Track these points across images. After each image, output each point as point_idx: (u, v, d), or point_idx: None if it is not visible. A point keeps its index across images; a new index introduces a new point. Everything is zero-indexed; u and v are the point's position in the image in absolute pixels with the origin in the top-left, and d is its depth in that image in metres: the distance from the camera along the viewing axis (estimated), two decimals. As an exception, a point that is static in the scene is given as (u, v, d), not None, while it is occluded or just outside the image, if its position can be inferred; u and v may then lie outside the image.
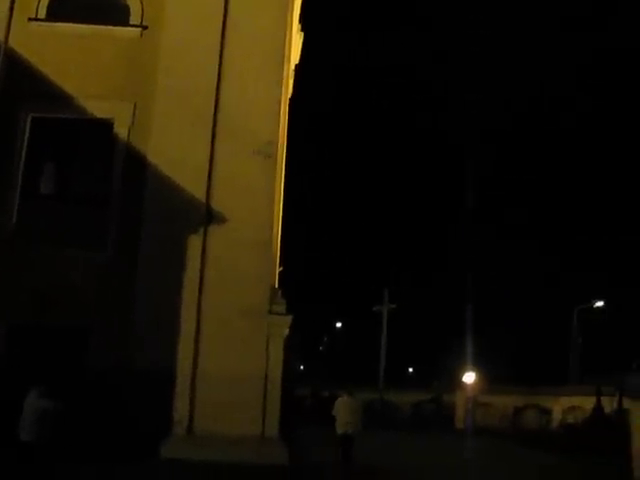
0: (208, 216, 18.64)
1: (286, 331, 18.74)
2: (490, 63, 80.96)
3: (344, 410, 18.14)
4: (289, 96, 23.80)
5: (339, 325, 70.34)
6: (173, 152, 18.71)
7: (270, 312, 18.49)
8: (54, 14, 19.46)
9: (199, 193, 18.65)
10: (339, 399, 18.80)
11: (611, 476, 19.16)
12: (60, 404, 12.89)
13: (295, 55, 24.44)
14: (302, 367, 61.22)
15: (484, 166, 70.97)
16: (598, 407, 29.29)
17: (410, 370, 76.42)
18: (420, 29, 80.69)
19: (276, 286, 20.16)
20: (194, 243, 18.50)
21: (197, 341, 18.07)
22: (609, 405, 28.50)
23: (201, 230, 18.55)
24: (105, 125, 19.14)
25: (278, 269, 22.17)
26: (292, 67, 24.22)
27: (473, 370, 41.14)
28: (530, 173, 74.39)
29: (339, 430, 17.91)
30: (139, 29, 19.53)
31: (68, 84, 18.92)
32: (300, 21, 24.00)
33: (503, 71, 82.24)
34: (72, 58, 19.17)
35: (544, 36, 77.42)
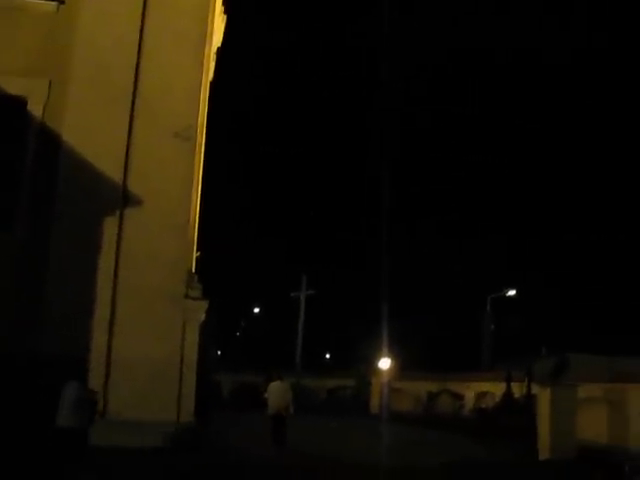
0: (124, 198, 18.34)
1: (202, 316, 18.64)
2: (414, 57, 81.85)
3: (276, 393, 19.47)
4: (210, 79, 23.54)
5: (257, 310, 70.28)
6: (89, 131, 18.31)
7: (186, 297, 18.38)
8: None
9: (115, 174, 18.32)
10: (272, 383, 19.97)
11: (518, 458, 19.78)
12: (97, 394, 13.73)
13: (217, 38, 24.15)
14: (219, 352, 61.02)
15: (403, 158, 71.86)
16: (508, 392, 30.10)
17: (327, 356, 77.06)
18: (348, 15, 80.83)
19: (193, 271, 20.00)
20: (110, 225, 18.18)
21: (112, 325, 17.81)
22: (519, 390, 29.29)
23: (117, 212, 18.25)
24: (18, 102, 18.53)
25: (195, 253, 21.97)
26: (214, 50, 23.92)
27: (388, 356, 41.73)
28: (446, 167, 75.73)
29: (271, 411, 19.24)
30: (55, 3, 18.91)
31: (-21, 59, 18.25)
32: (223, 3, 23.72)
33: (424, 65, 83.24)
34: (-17, 32, 18.49)
35: (467, 26, 78.74)
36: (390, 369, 41.52)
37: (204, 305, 18.64)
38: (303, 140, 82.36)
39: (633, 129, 63.72)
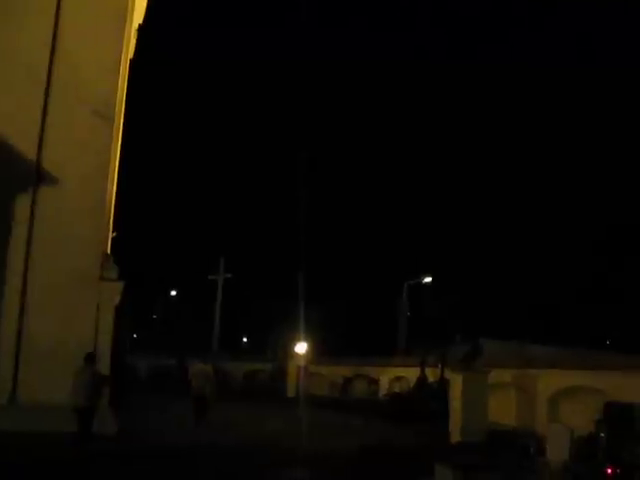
0: (38, 176, 17.87)
1: (117, 298, 18.34)
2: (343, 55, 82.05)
3: (199, 375, 20.41)
4: (131, 57, 23.04)
5: (174, 293, 69.48)
6: (2, 106, 17.72)
7: (101, 278, 18.06)
8: None
9: (29, 151, 17.82)
10: (195, 366, 21.26)
11: (430, 440, 20.15)
12: (107, 379, 14.77)
13: (139, 15, 23.63)
14: (135, 336, 60.19)
15: (322, 145, 72.01)
16: (422, 377, 30.57)
17: (244, 340, 76.88)
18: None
19: (108, 252, 19.63)
20: (22, 203, 17.71)
21: (23, 307, 17.37)
22: (433, 375, 29.78)
23: (30, 190, 17.78)
24: None
25: (111, 234, 21.57)
26: (135, 27, 23.40)
27: (305, 341, 41.90)
28: (364, 154, 76.33)
29: (194, 392, 20.18)
30: (-33, -27, 18.24)
31: None
32: (144, -20, 23.21)
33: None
34: None
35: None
36: (306, 353, 41.68)
37: (119, 287, 18.35)
38: (222, 121, 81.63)
39: (531, 112, 65.63)
